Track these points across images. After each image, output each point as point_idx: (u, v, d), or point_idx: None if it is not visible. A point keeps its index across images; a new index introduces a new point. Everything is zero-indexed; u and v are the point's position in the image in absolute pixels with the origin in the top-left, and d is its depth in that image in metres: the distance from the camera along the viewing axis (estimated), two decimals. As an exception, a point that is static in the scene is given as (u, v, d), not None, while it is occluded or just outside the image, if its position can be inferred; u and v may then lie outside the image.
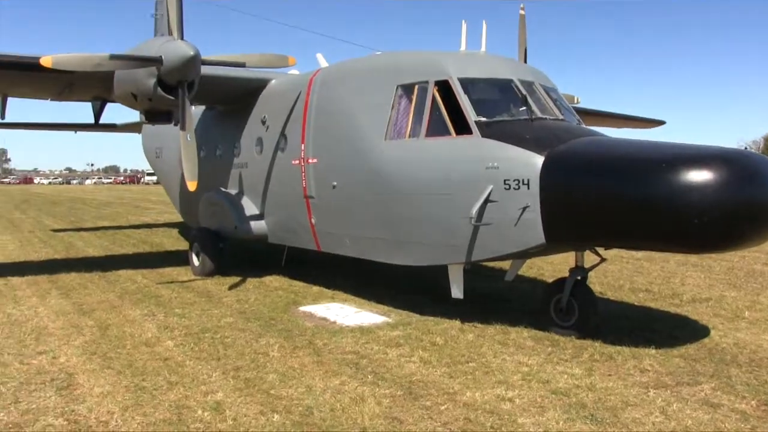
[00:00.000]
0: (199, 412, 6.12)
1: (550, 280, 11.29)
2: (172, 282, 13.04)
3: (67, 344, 8.44)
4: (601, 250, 9.32)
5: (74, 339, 8.70)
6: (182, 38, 11.34)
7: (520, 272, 10.30)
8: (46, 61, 10.48)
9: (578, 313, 8.78)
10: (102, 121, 15.85)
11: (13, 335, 8.90)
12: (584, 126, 10.02)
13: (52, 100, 14.71)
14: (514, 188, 8.37)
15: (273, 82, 13.31)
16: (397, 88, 9.89)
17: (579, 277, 9.03)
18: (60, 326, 9.41)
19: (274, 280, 13.15)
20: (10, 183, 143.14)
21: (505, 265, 11.66)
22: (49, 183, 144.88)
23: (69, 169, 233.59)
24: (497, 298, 11.46)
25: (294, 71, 13.73)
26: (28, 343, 8.53)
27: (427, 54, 10.25)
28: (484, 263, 11.66)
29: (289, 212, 12.35)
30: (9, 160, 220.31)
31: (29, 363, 7.65)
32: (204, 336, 8.82)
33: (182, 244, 19.53)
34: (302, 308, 10.61)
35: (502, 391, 6.66)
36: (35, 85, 13.39)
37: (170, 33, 11.60)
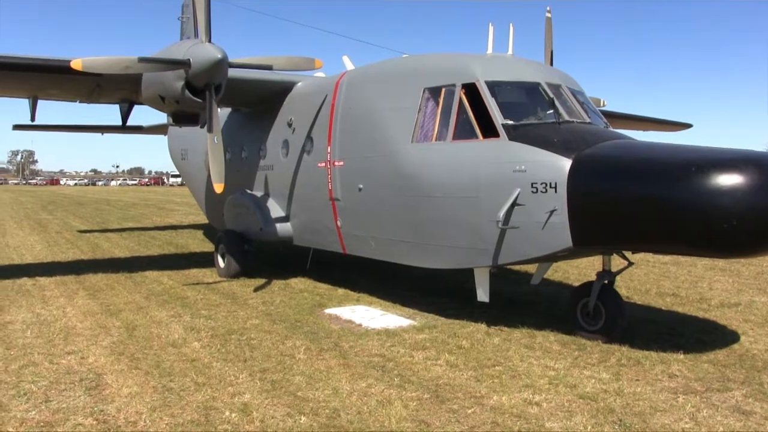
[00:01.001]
0: (227, 413, 6.16)
1: (576, 284, 11.22)
2: (197, 283, 13.14)
3: (95, 344, 8.54)
4: (628, 254, 9.25)
5: (102, 339, 8.80)
6: (210, 41, 11.42)
7: (545, 276, 10.24)
8: (76, 63, 10.62)
9: (605, 317, 8.72)
10: (128, 123, 15.99)
11: (43, 335, 9.02)
12: (612, 129, 9.95)
13: (80, 102, 14.87)
14: (542, 191, 8.34)
15: (299, 84, 13.38)
16: (423, 90, 9.90)
17: (606, 281, 8.97)
18: (88, 326, 9.52)
19: (299, 282, 13.21)
20: (37, 184, 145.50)
21: (531, 268, 11.62)
22: (75, 184, 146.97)
23: (94, 171, 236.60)
24: (523, 301, 11.41)
25: (320, 74, 13.78)
26: (57, 342, 8.64)
27: (453, 57, 10.25)
28: (510, 266, 11.60)
29: (314, 214, 12.40)
30: (36, 161, 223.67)
31: (58, 363, 7.75)
32: (230, 337, 8.88)
33: (207, 246, 19.69)
34: (328, 311, 10.64)
35: (529, 395, 6.64)
36: (65, 87, 13.56)
37: (196, 35, 11.68)
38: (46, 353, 8.12)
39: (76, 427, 5.86)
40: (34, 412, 6.18)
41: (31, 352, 8.18)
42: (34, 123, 15.91)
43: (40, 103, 14.68)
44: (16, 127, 22.92)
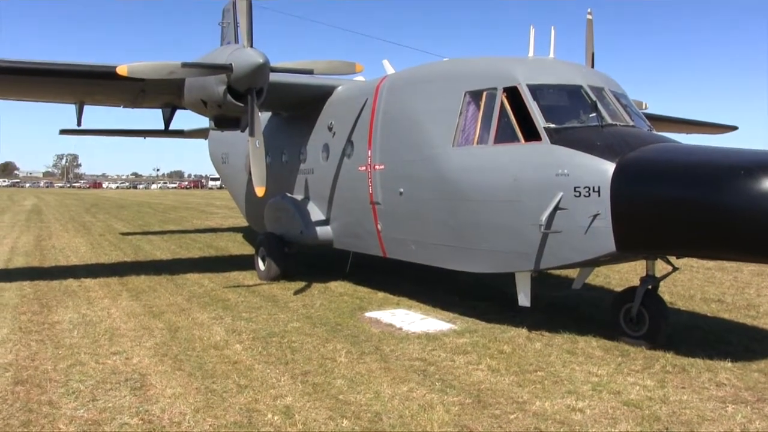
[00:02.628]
0: (269, 415, 6.20)
1: (619, 289, 11.08)
2: (238, 286, 13.28)
3: (138, 345, 8.68)
4: (672, 259, 9.10)
5: (146, 340, 8.93)
6: (252, 46, 11.54)
7: (586, 280, 10.13)
8: (122, 69, 10.82)
9: (649, 323, 8.58)
10: (170, 127, 16.20)
11: (89, 335, 9.20)
12: (655, 132, 9.81)
13: (124, 107, 15.12)
14: (585, 195, 8.25)
15: (340, 88, 13.45)
16: (465, 94, 9.88)
17: (650, 286, 8.83)
18: (132, 327, 9.67)
19: (338, 286, 13.25)
20: (80, 187, 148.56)
21: (572, 272, 11.50)
22: (117, 187, 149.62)
23: (135, 174, 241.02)
24: (564, 306, 11.29)
25: (360, 78, 13.84)
26: (102, 343, 8.80)
27: (495, 60, 10.21)
28: (551, 271, 11.50)
29: (355, 218, 12.45)
30: (80, 165, 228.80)
31: (104, 363, 7.89)
32: (271, 340, 8.94)
33: (247, 249, 19.87)
34: (368, 314, 10.65)
35: (573, 402, 6.56)
36: (110, 92, 13.81)
37: (237, 40, 11.80)
38: (92, 353, 8.28)
39: (122, 427, 5.95)
40: (82, 411, 6.31)
41: (78, 351, 8.34)
42: (80, 128, 16.23)
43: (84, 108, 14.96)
44: (63, 131, 23.43)
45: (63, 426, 5.93)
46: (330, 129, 13.12)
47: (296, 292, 12.50)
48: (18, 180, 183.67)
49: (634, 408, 6.40)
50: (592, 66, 11.71)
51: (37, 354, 8.23)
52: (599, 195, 8.13)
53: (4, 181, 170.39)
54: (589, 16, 11.82)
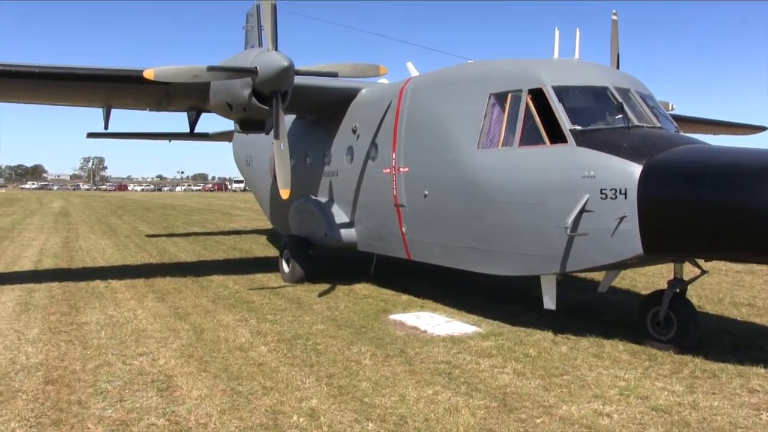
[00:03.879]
0: (295, 417, 6.21)
1: (645, 292, 10.95)
2: (262, 288, 13.34)
3: (165, 347, 8.74)
4: (700, 262, 8.99)
5: (171, 342, 9.00)
6: (276, 49, 11.60)
7: (612, 283, 10.04)
8: (148, 73, 10.93)
9: (677, 327, 8.48)
10: (195, 130, 16.33)
11: (115, 336, 9.29)
12: (683, 133, 9.71)
13: (150, 110, 15.25)
14: (611, 198, 8.19)
15: (364, 91, 13.47)
16: (489, 96, 9.84)
17: (678, 290, 8.73)
18: (158, 329, 9.76)
19: (363, 288, 13.27)
20: (106, 190, 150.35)
21: (597, 275, 11.40)
22: (142, 190, 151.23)
23: (160, 177, 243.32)
24: (590, 309, 11.20)
25: (384, 80, 13.85)
26: (129, 344, 8.89)
27: (519, 62, 10.16)
28: (577, 274, 11.42)
29: (379, 220, 12.46)
30: (106, 167, 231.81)
31: (131, 364, 7.96)
32: (296, 342, 8.97)
33: (271, 251, 19.97)
34: (392, 316, 10.65)
35: (599, 406, 6.50)
36: (137, 96, 13.97)
37: (260, 44, 11.85)
38: (119, 354, 8.37)
39: (149, 427, 6.00)
40: (110, 411, 6.38)
41: (106, 352, 8.43)
42: (106, 131, 16.41)
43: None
44: (90, 135, 23.65)
45: (92, 425, 6.00)
46: (354, 131, 13.14)
47: (320, 295, 12.53)
48: (46, 182, 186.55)
49: (662, 413, 6.32)
50: (618, 67, 11.61)
51: (66, 354, 8.34)
52: (626, 197, 8.06)
53: (33, 184, 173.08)
54: (614, 17, 11.73)
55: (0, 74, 12.05)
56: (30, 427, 5.99)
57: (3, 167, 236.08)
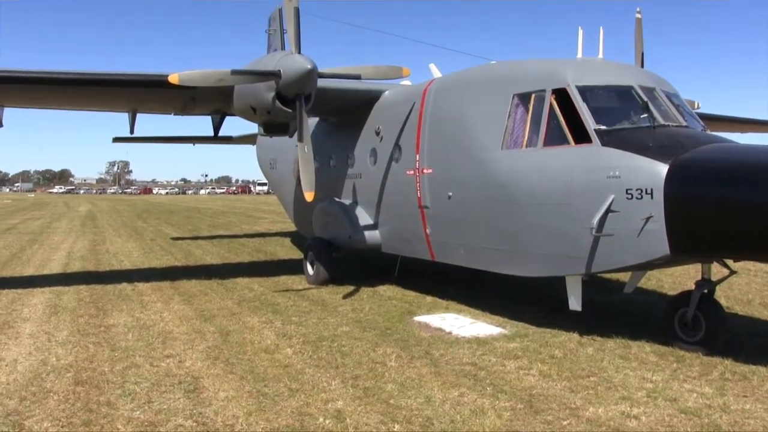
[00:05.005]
0: (321, 419, 6.23)
1: (672, 293, 10.85)
2: (287, 290, 13.39)
3: (191, 349, 8.82)
4: (729, 262, 8.88)
5: (198, 344, 9.07)
6: (300, 52, 11.65)
7: (638, 284, 9.95)
8: (173, 78, 11.03)
9: (705, 329, 8.38)
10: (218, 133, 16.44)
11: (143, 338, 9.39)
12: (709, 132, 9.60)
13: (175, 114, 15.43)
14: (637, 198, 8.12)
15: (386, 93, 13.48)
16: (513, 97, 9.81)
17: (705, 290, 8.64)
18: (184, 331, 9.84)
19: (387, 290, 13.27)
20: (131, 193, 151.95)
21: (623, 276, 11.31)
22: (167, 193, 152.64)
23: (184, 180, 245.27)
24: (616, 310, 11.10)
25: (406, 82, 13.86)
26: (156, 346, 8.98)
27: (543, 62, 10.12)
28: (602, 275, 11.33)
29: (403, 222, 12.46)
30: (131, 171, 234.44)
31: (158, 366, 8.04)
32: (321, 344, 8.99)
33: (295, 253, 20.05)
34: (417, 318, 10.64)
35: (627, 408, 6.45)
36: (162, 101, 14.13)
37: (283, 48, 11.90)
38: (146, 356, 8.45)
39: (177, 428, 6.07)
40: (138, 412, 6.45)
41: (133, 354, 8.53)
42: (132, 135, 16.59)
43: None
44: (116, 139, 23.96)
45: (121, 426, 6.08)
46: (377, 133, 13.16)
47: (345, 297, 12.56)
48: (73, 187, 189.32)
49: (692, 416, 6.25)
50: (642, 66, 11.51)
51: (94, 356, 8.45)
52: (652, 197, 7.99)
53: (61, 188, 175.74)
54: (638, 15, 11.63)
55: (30, 81, 12.32)
56: (62, 426, 6.09)
57: (32, 172, 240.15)
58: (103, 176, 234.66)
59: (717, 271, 9.03)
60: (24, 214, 47.41)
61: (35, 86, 12.65)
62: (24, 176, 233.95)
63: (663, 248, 8.00)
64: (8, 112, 13.82)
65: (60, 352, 8.64)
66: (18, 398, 6.85)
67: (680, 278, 14.04)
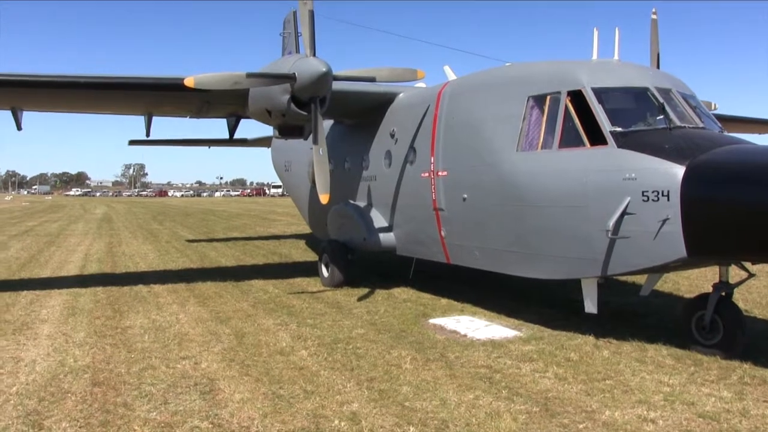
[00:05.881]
0: (336, 421, 6.23)
1: (689, 296, 10.76)
2: (302, 292, 13.42)
3: (207, 350, 8.84)
4: (747, 265, 8.80)
5: (213, 346, 9.10)
6: (314, 55, 11.68)
7: (654, 287, 9.89)
8: (188, 81, 11.10)
9: (723, 332, 8.30)
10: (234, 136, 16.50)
11: (159, 340, 9.44)
12: (727, 134, 9.52)
13: (190, 117, 15.52)
14: (653, 200, 8.07)
15: (401, 95, 13.49)
16: (528, 99, 9.79)
17: (723, 293, 8.56)
18: (200, 333, 9.87)
19: (402, 292, 13.26)
20: (147, 195, 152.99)
21: (639, 279, 11.23)
22: (182, 195, 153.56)
23: (199, 182, 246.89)
24: (632, 313, 11.04)
25: (421, 84, 13.85)
26: (172, 347, 9.02)
27: (558, 64, 10.08)
28: (618, 277, 11.26)
29: (418, 225, 12.45)
30: (146, 174, 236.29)
31: (174, 367, 8.07)
32: (336, 346, 9.00)
33: (310, 256, 20.09)
34: (432, 320, 10.63)
35: (644, 412, 6.40)
36: (177, 104, 14.21)
37: (298, 50, 11.92)
38: (162, 357, 8.49)
39: (193, 430, 6.09)
40: (155, 413, 6.48)
41: (149, 356, 8.57)
42: (147, 138, 16.71)
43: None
44: (132, 142, 24.17)
45: (137, 427, 6.11)
46: (392, 136, 13.17)
47: (360, 299, 12.57)
48: (89, 189, 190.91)
49: (710, 420, 6.19)
50: (658, 67, 11.45)
51: (111, 357, 8.50)
52: (668, 199, 7.94)
53: (77, 191, 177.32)
54: (654, 16, 11.58)
55: (48, 85, 12.43)
56: (80, 427, 6.14)
57: (49, 175, 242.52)
58: (118, 179, 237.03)
59: (735, 273, 8.96)
60: (42, 216, 47.87)
61: (53, 90, 12.79)
62: (41, 179, 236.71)
63: (679, 250, 7.95)
64: (26, 115, 13.93)
65: (77, 353, 8.71)
66: (37, 398, 6.91)
67: (697, 281, 13.95)
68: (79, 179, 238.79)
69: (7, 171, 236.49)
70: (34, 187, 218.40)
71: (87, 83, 12.44)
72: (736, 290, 8.99)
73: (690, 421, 6.18)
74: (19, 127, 13.92)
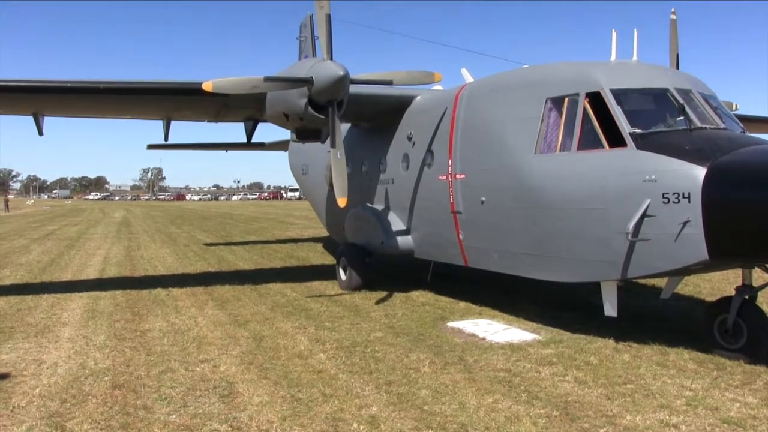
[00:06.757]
0: (355, 425, 6.21)
1: (711, 299, 10.65)
2: (320, 296, 13.43)
3: (225, 354, 8.87)
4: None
5: (232, 349, 9.12)
6: (331, 59, 11.70)
7: (675, 290, 9.79)
8: (207, 85, 11.15)
9: (747, 336, 8.21)
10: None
11: (178, 343, 9.48)
12: (749, 134, 9.42)
13: (208, 121, 15.61)
14: (674, 202, 7.99)
15: (418, 98, 13.47)
16: (546, 101, 9.74)
17: (747, 296, 8.46)
18: (218, 336, 9.90)
19: (420, 295, 13.24)
20: (164, 199, 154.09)
21: (659, 282, 11.13)
22: (199, 199, 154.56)
23: (216, 186, 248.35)
24: (652, 316, 10.93)
25: (438, 87, 13.83)
26: (190, 351, 9.05)
27: (576, 65, 10.02)
28: (638, 280, 11.16)
29: (436, 228, 12.42)
30: (164, 178, 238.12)
31: (193, 370, 8.10)
32: (355, 350, 8.99)
33: (327, 259, 20.11)
34: (450, 324, 10.59)
35: (666, 417, 6.33)
36: (196, 108, 14.30)
37: (314, 54, 11.93)
38: (181, 360, 8.53)
39: (212, 432, 6.09)
40: (174, 416, 6.50)
41: (169, 359, 8.61)
42: (166, 142, 16.81)
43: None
44: (150, 146, 24.30)
45: (157, 430, 6.14)
46: (410, 139, 13.15)
47: (378, 302, 12.55)
48: (108, 193, 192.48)
49: (735, 426, 6.10)
50: (677, 67, 11.36)
51: (131, 360, 8.55)
52: (689, 201, 7.86)
53: (96, 195, 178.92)
54: (673, 16, 11.50)
55: (69, 90, 12.56)
56: (101, 429, 6.18)
57: (69, 179, 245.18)
58: (137, 183, 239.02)
59: (758, 276, 8.85)
60: (62, 220, 48.33)
61: (74, 95, 12.91)
62: (61, 183, 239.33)
63: (701, 253, 7.87)
64: (47, 120, 14.09)
65: (98, 356, 8.77)
66: (59, 400, 6.97)
67: (719, 284, 13.79)
68: (98, 183, 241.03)
69: (29, 176, 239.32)
70: (54, 191, 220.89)
71: (107, 89, 12.56)
72: (760, 293, 8.87)
73: (714, 427, 6.10)
74: (40, 132, 14.08)
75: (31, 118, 13.84)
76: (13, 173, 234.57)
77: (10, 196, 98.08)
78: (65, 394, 7.15)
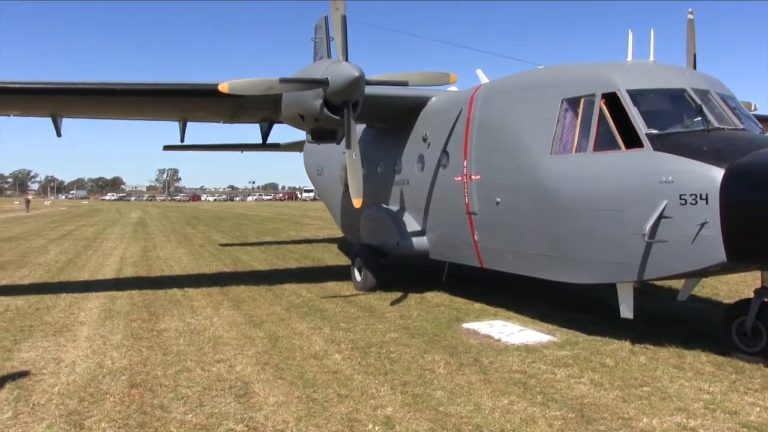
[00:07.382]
0: (370, 425, 6.22)
1: (728, 301, 10.56)
2: (335, 296, 13.46)
3: (241, 354, 8.90)
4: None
5: (247, 349, 9.16)
6: (347, 60, 11.72)
7: (692, 292, 9.72)
8: (223, 87, 11.19)
9: (767, 339, 8.13)
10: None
11: (194, 343, 9.53)
12: (768, 135, 9.33)
13: (224, 122, 15.72)
14: (691, 203, 7.94)
15: (433, 99, 13.46)
16: (562, 102, 9.71)
17: (765, 299, 8.38)
18: (234, 336, 9.94)
19: (435, 296, 13.23)
20: (180, 200, 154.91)
21: (676, 283, 11.05)
22: (215, 200, 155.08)
23: (232, 187, 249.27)
24: (669, 318, 10.86)
25: (453, 88, 13.82)
26: (206, 351, 9.09)
27: (592, 66, 9.98)
28: (654, 282, 11.10)
29: (451, 228, 12.41)
30: (179, 178, 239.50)
31: (209, 370, 8.14)
32: (370, 350, 9.00)
33: (342, 260, 20.14)
34: (465, 325, 10.58)
35: (683, 420, 6.28)
36: (211, 109, 14.39)
37: (329, 55, 11.96)
38: (197, 360, 8.57)
39: (228, 432, 6.12)
40: (191, 416, 6.54)
41: (185, 358, 8.65)
42: (182, 143, 16.92)
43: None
44: (166, 147, 24.45)
45: (174, 429, 6.17)
46: (425, 140, 13.16)
47: (393, 303, 12.56)
48: (124, 194, 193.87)
49: (755, 431, 6.04)
50: (695, 67, 11.28)
51: (147, 360, 8.61)
52: (707, 202, 7.80)
53: (113, 196, 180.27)
54: (690, 16, 11.40)
55: (87, 92, 12.70)
56: (118, 428, 6.22)
57: (86, 180, 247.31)
58: (153, 183, 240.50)
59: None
60: (79, 220, 48.74)
61: (92, 97, 13.05)
62: (78, 184, 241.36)
63: (719, 255, 7.80)
64: (65, 122, 14.22)
65: (115, 355, 8.84)
66: (78, 398, 7.04)
67: (737, 286, 13.68)
68: (115, 184, 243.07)
69: (47, 176, 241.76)
70: (71, 192, 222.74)
71: (124, 90, 12.65)
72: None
73: (733, 431, 6.04)
74: (58, 134, 14.23)
75: (49, 120, 14.00)
76: (32, 174, 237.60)
77: (29, 197, 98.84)
78: (83, 393, 7.22)
